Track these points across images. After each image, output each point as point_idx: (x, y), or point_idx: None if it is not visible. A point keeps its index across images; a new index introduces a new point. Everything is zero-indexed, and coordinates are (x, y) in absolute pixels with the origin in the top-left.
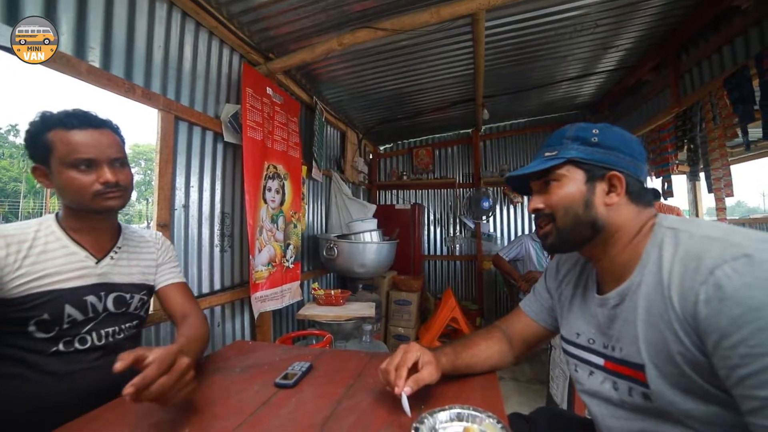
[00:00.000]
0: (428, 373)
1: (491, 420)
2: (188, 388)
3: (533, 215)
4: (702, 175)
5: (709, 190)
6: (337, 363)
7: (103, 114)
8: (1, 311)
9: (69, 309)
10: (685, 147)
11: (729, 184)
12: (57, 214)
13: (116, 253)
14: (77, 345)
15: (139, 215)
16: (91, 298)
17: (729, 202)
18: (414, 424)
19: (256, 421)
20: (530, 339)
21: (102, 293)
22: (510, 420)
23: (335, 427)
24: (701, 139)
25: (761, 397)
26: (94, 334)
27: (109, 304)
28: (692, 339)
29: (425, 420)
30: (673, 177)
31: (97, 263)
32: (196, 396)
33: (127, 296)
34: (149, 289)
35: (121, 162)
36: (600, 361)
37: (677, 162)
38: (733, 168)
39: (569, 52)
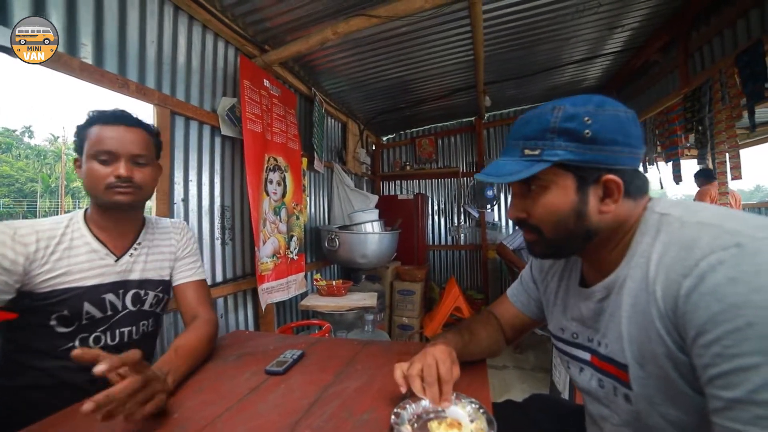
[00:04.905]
0: (456, 374)
1: (473, 406)
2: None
3: (515, 221)
4: (711, 158)
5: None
6: (329, 351)
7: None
8: (28, 302)
9: (87, 306)
10: (694, 129)
11: (737, 166)
12: (86, 211)
13: (135, 250)
14: (91, 343)
15: (150, 211)
16: (110, 297)
17: (746, 186)
18: (395, 410)
19: (243, 407)
20: (519, 327)
21: (121, 291)
22: (503, 407)
23: (319, 411)
24: (709, 120)
25: (726, 398)
26: (108, 334)
27: (128, 302)
28: (673, 337)
29: (407, 406)
30: (682, 161)
31: (116, 261)
32: (186, 383)
33: (142, 292)
34: (165, 286)
35: (143, 159)
36: (587, 356)
37: (687, 145)
38: (752, 150)
39: (572, 34)
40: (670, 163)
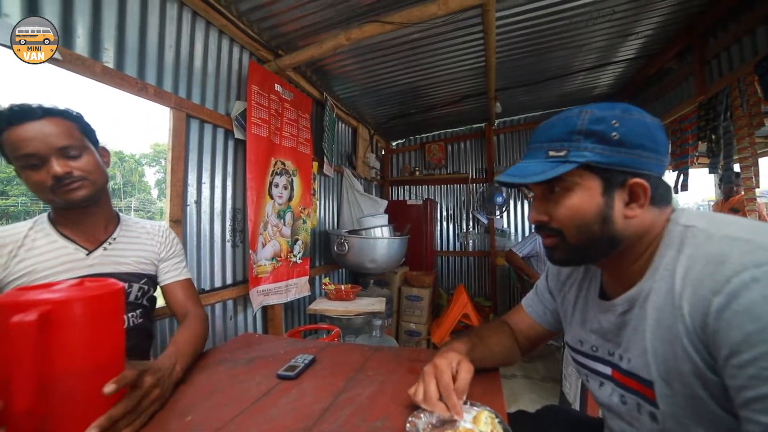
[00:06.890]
0: (466, 372)
1: (489, 415)
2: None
3: (534, 225)
4: (723, 167)
5: (726, 182)
6: (340, 356)
7: (53, 102)
8: None
9: None
10: (707, 138)
11: (756, 174)
12: (49, 213)
13: (110, 244)
14: None
15: (161, 212)
16: None
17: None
18: (410, 418)
19: (255, 411)
20: (534, 338)
21: None
22: (515, 418)
23: (332, 417)
24: (724, 129)
25: (764, 423)
26: None
27: None
28: (702, 355)
29: (422, 414)
30: (691, 170)
31: (87, 255)
32: (200, 385)
33: (125, 285)
34: (150, 278)
35: (75, 149)
36: (607, 370)
37: (697, 154)
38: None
39: (585, 42)
40: (676, 172)
